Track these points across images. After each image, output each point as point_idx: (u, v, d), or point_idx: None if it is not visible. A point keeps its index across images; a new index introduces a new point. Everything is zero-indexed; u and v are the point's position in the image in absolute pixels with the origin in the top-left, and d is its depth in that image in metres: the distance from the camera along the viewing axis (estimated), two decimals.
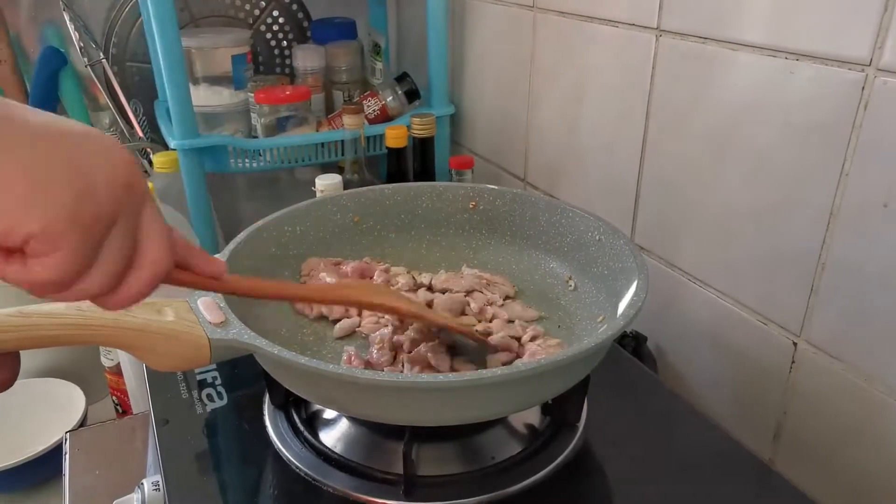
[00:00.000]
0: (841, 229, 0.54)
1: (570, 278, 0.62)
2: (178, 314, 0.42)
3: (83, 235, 0.29)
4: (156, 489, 0.49)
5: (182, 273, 0.36)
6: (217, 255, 0.53)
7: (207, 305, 0.44)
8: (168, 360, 0.41)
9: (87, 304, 0.40)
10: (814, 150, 0.55)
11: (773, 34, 0.57)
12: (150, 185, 0.85)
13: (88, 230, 0.29)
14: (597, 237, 0.59)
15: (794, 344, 0.60)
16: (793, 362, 0.61)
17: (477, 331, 0.55)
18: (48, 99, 1.14)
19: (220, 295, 0.46)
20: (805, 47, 0.54)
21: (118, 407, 0.82)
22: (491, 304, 0.60)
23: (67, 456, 0.63)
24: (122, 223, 0.30)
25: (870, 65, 0.50)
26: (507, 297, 0.63)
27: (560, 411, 0.53)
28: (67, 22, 1.09)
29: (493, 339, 0.54)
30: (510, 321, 0.58)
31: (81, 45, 1.10)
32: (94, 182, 0.29)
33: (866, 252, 0.53)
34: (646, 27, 0.69)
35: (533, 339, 0.55)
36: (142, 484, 0.50)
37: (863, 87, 0.50)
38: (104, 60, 1.14)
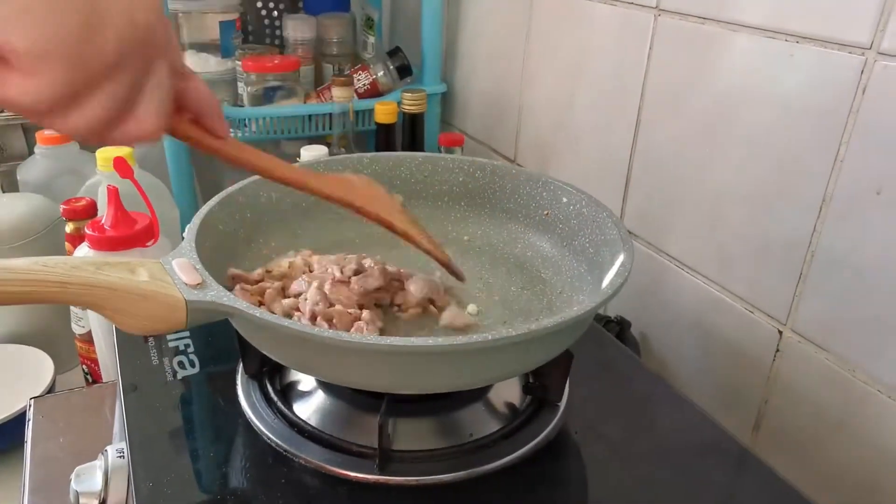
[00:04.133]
0: (832, 217, 0.53)
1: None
2: (153, 274, 0.40)
3: (71, 70, 0.27)
4: (120, 456, 0.47)
5: (189, 127, 0.37)
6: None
7: (183, 266, 0.42)
8: (141, 323, 0.39)
9: (54, 261, 0.38)
10: (810, 135, 0.54)
11: (773, 16, 0.55)
12: (131, 150, 0.83)
13: (80, 66, 0.27)
14: (579, 210, 0.58)
15: (780, 332, 0.59)
16: (777, 351, 0.60)
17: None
18: None
19: (195, 256, 0.44)
20: (805, 30, 0.53)
21: (88, 376, 0.80)
22: None
23: (31, 423, 0.61)
24: (127, 71, 0.29)
25: (870, 48, 0.49)
26: None
27: (542, 388, 0.52)
28: None
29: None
30: None
31: None
32: (104, 17, 0.27)
33: (856, 241, 0.52)
34: (644, 6, 0.68)
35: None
36: (105, 451, 0.48)
37: (862, 71, 0.49)
38: None
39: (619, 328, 0.74)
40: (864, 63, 0.49)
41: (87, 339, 0.77)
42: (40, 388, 0.74)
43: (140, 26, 0.28)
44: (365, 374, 0.42)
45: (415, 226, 0.52)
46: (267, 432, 0.48)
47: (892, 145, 0.48)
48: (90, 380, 0.80)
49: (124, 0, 0.28)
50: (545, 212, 0.62)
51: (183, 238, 0.48)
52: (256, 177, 0.60)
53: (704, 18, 0.61)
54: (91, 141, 0.31)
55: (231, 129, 0.97)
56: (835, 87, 0.51)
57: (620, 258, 0.49)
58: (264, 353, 0.46)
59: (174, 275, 0.41)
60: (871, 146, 0.50)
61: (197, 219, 0.51)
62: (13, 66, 0.27)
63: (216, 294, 0.40)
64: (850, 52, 0.50)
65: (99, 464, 0.48)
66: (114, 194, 0.69)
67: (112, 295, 0.37)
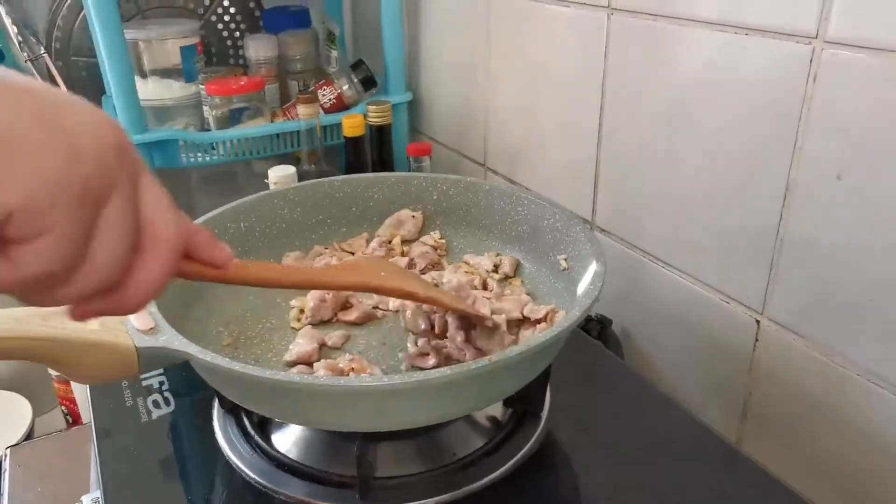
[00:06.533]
0: (797, 204, 0.53)
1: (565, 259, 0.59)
2: (103, 321, 0.39)
3: (72, 209, 0.24)
4: None
5: (186, 263, 0.31)
6: None
7: None
8: (92, 373, 0.38)
9: None
10: (768, 125, 0.54)
11: (722, 9, 0.55)
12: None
13: (78, 202, 0.24)
14: (553, 224, 0.58)
15: (757, 322, 0.59)
16: (756, 340, 0.60)
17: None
18: None
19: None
20: (755, 21, 0.53)
21: (67, 417, 0.79)
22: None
23: (7, 473, 0.60)
24: (117, 196, 0.26)
25: (816, 37, 0.49)
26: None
27: (523, 402, 0.51)
28: (3, 15, 1.05)
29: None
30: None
31: (20, 39, 1.06)
32: (78, 145, 0.24)
33: (822, 226, 0.52)
34: (597, 6, 0.68)
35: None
36: (80, 502, 0.47)
37: (811, 60, 0.49)
38: (46, 55, 1.09)
39: (600, 327, 0.74)
40: (812, 52, 0.49)
41: (65, 379, 0.76)
42: (18, 435, 0.73)
43: (111, 142, 0.26)
44: (327, 415, 0.42)
45: (433, 287, 0.51)
46: (245, 469, 0.47)
47: (846, 131, 0.48)
48: (70, 420, 0.79)
49: (87, 120, 0.25)
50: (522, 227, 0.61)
51: None
52: (224, 208, 0.60)
53: (655, 15, 0.61)
54: (129, 300, 0.27)
55: (199, 154, 0.97)
56: (787, 76, 0.51)
57: (591, 274, 0.49)
58: (225, 395, 0.45)
59: (126, 320, 0.40)
60: (827, 133, 0.50)
61: None
62: (11, 238, 0.23)
63: (168, 339, 0.40)
64: (797, 42, 0.50)
65: None
66: None
67: (59, 347, 0.36)
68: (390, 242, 0.65)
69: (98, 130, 0.25)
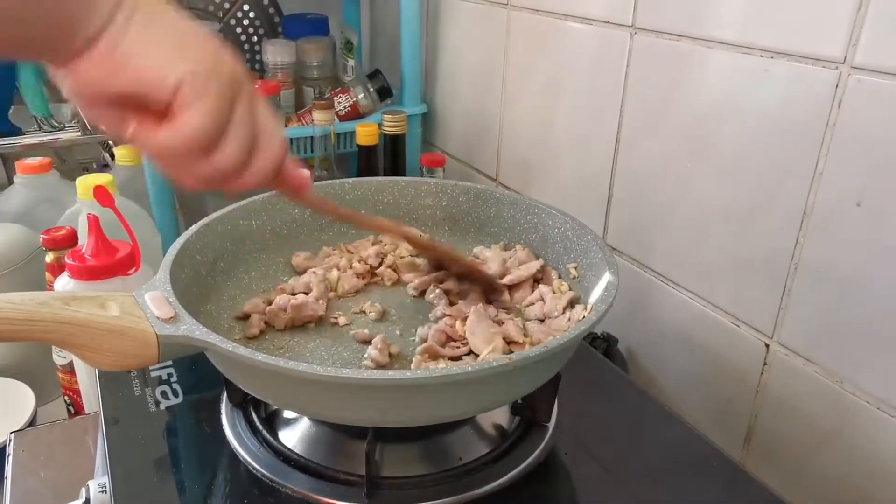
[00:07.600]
0: (814, 229, 0.54)
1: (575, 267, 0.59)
2: (124, 309, 0.39)
3: (221, 88, 0.33)
4: (102, 491, 0.46)
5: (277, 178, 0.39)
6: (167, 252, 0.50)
7: (155, 300, 0.41)
8: (111, 359, 0.38)
9: (20, 297, 0.37)
10: (788, 148, 0.55)
11: (747, 32, 0.56)
12: (111, 178, 0.82)
13: (225, 85, 0.33)
14: (564, 233, 0.58)
15: (767, 346, 0.59)
16: (765, 364, 0.60)
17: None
18: (4, 87, 1.09)
19: (169, 289, 0.44)
20: (780, 45, 0.54)
21: (70, 407, 0.79)
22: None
23: (10, 457, 0.60)
24: (244, 97, 0.34)
25: (844, 63, 0.49)
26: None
27: (531, 410, 0.51)
28: None
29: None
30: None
31: None
32: (222, 52, 0.34)
33: (839, 252, 0.52)
34: (621, 25, 0.69)
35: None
36: (87, 486, 0.47)
37: (837, 85, 0.50)
38: None
39: (606, 345, 0.74)
40: (838, 77, 0.50)
41: (69, 369, 0.76)
42: (21, 422, 0.72)
43: (238, 62, 0.35)
44: (345, 408, 0.42)
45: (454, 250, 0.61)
46: (252, 462, 0.47)
47: (869, 157, 0.49)
48: (72, 411, 0.79)
49: (221, 45, 0.35)
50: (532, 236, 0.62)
51: None
52: (236, 205, 0.60)
53: (680, 35, 0.62)
54: (226, 187, 0.36)
55: None
56: (811, 101, 0.52)
57: (605, 282, 0.49)
58: (240, 387, 0.45)
59: (146, 308, 0.40)
60: (849, 158, 0.50)
61: (173, 250, 0.50)
62: (176, 104, 0.32)
63: (188, 328, 0.40)
64: (823, 67, 0.51)
65: (80, 501, 0.47)
66: (94, 223, 0.68)
67: (80, 331, 0.36)
68: (395, 250, 0.65)
69: (229, 53, 0.35)
